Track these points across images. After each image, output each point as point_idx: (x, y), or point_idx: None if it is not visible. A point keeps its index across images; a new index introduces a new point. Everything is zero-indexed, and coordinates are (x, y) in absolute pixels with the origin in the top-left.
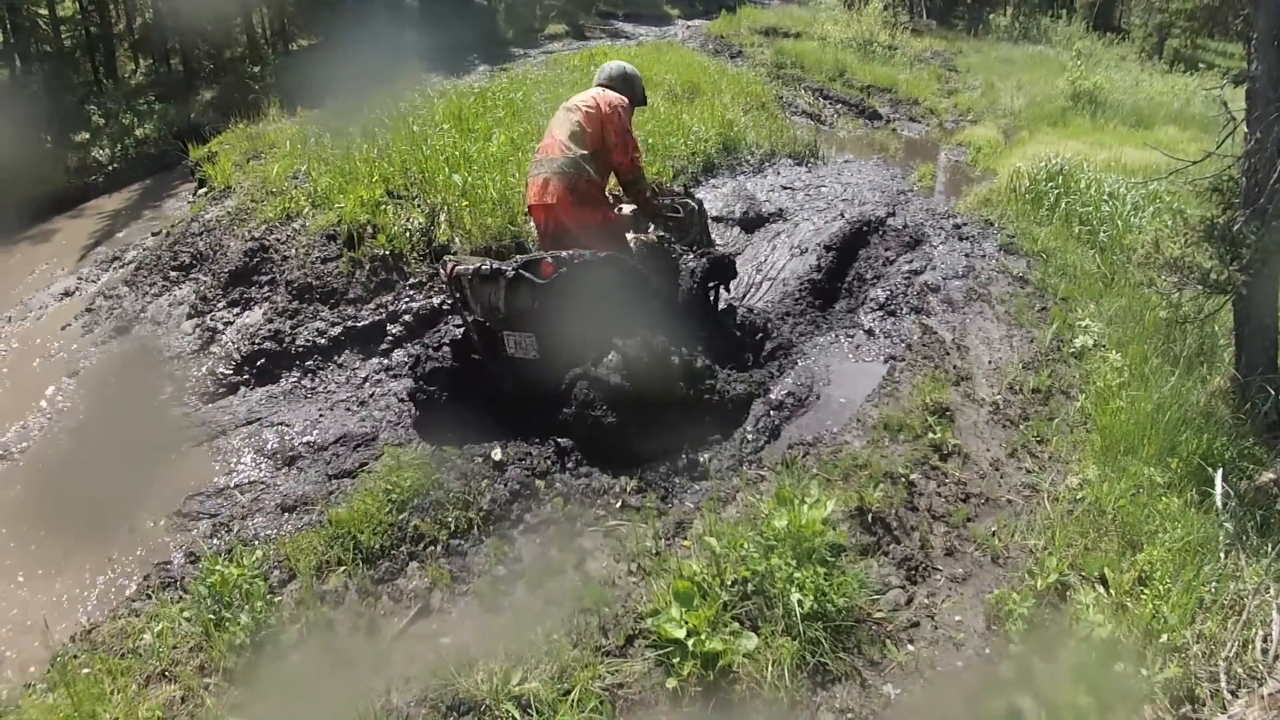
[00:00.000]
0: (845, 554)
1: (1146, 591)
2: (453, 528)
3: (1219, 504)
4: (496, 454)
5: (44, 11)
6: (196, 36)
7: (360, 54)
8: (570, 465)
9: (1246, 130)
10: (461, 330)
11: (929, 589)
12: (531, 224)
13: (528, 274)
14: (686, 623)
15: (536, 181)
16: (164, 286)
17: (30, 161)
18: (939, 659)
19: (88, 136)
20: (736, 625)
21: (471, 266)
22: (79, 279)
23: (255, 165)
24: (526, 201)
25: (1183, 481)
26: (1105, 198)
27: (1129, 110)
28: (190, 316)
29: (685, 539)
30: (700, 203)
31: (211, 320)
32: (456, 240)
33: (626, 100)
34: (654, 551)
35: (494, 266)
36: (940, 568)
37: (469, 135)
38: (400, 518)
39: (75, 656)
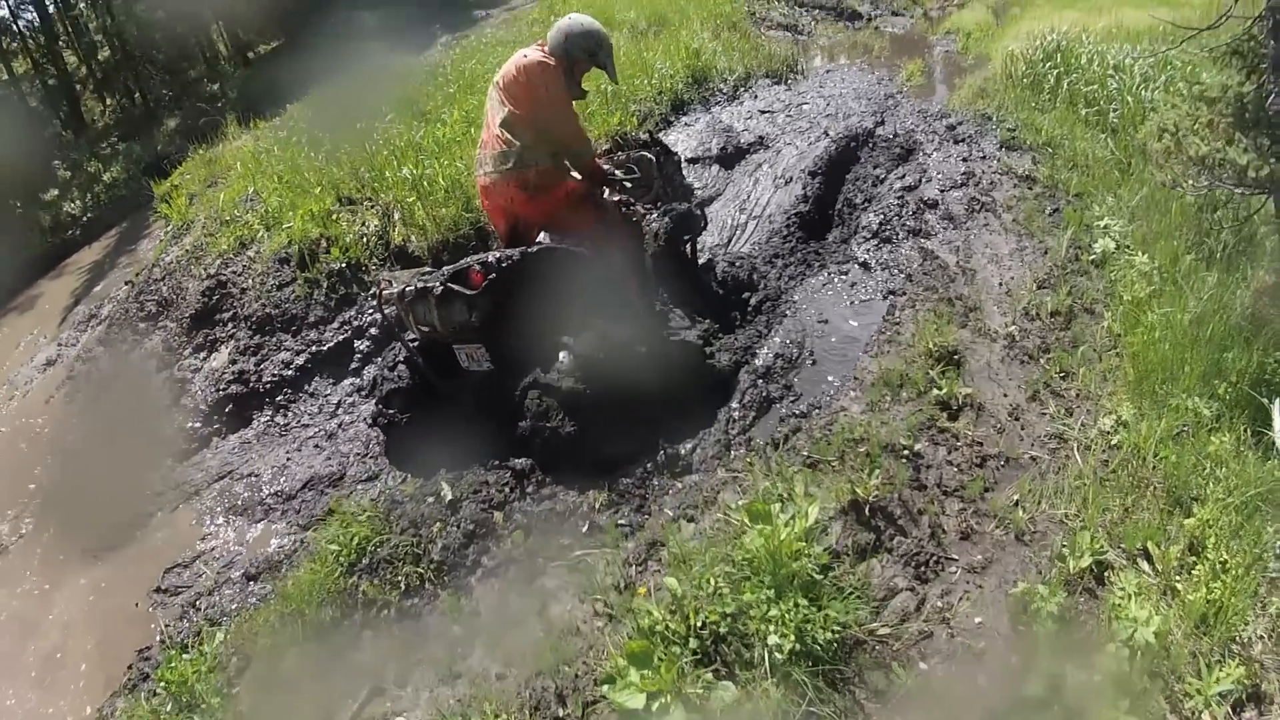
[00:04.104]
0: (841, 561)
1: (1199, 567)
2: (404, 586)
3: (1278, 441)
4: (447, 493)
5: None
6: (148, 64)
7: (319, 50)
8: (530, 489)
9: None
10: (405, 356)
11: (942, 586)
12: None
13: (456, 286)
14: (646, 689)
15: (483, 182)
16: (134, 341)
17: (3, 230)
18: (957, 677)
19: (56, 193)
20: (710, 676)
21: (397, 288)
22: (59, 345)
23: (211, 194)
24: (483, 205)
25: (1232, 412)
26: (1110, 72)
27: None
28: (159, 370)
29: (642, 585)
30: (662, 152)
31: (179, 370)
32: (412, 239)
33: (553, 62)
34: (622, 586)
35: (419, 285)
36: (955, 556)
37: (420, 120)
38: (350, 582)
39: None
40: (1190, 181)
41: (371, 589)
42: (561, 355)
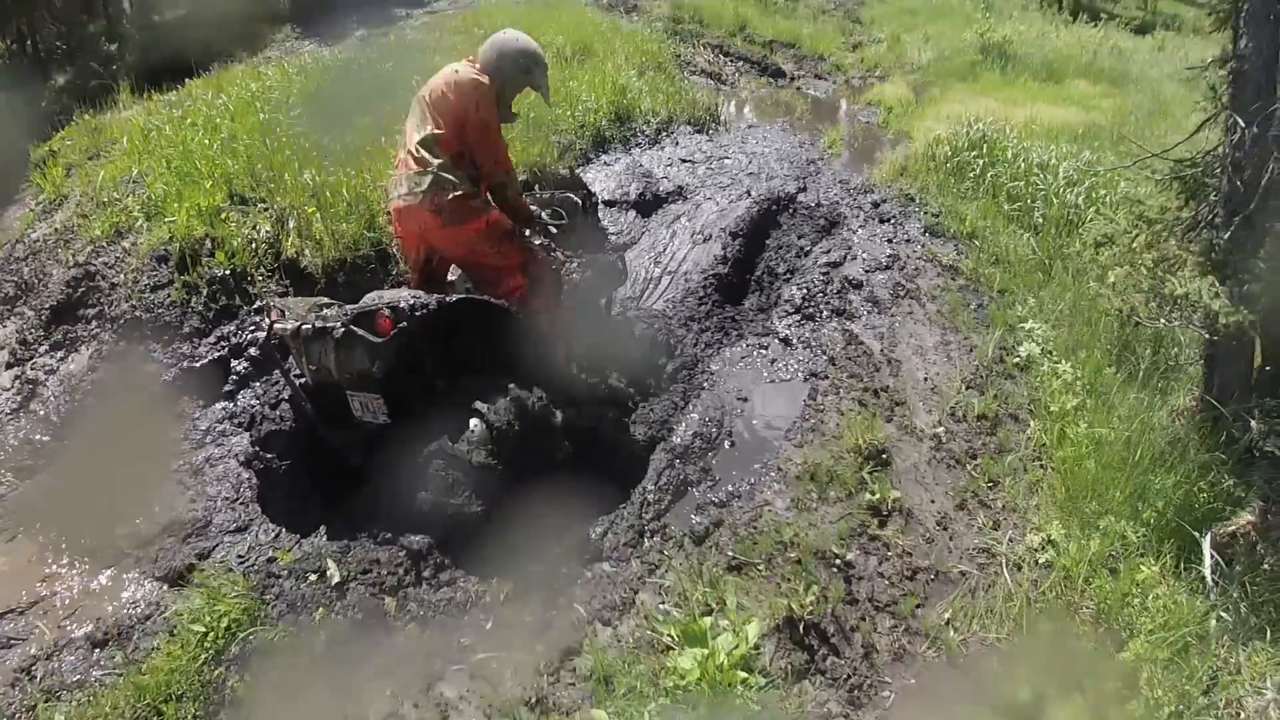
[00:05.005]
0: (775, 684)
1: (1133, 703)
2: (281, 685)
3: (1208, 577)
4: (334, 573)
5: None
6: (44, 11)
7: (226, 26)
8: (427, 573)
9: (1232, 120)
10: (290, 395)
11: (876, 712)
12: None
13: (361, 331)
14: None
15: (397, 205)
16: None
17: None
18: None
19: None
20: None
21: (291, 325)
22: None
23: (91, 167)
24: (393, 229)
25: (1160, 538)
26: (1035, 170)
27: (1039, 64)
28: (9, 365)
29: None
30: (588, 194)
31: (32, 369)
32: (306, 252)
33: (487, 81)
34: (533, 701)
35: (318, 324)
36: (888, 679)
37: (328, 119)
38: (216, 674)
39: None
40: (1162, 320)
41: (242, 687)
42: (473, 423)
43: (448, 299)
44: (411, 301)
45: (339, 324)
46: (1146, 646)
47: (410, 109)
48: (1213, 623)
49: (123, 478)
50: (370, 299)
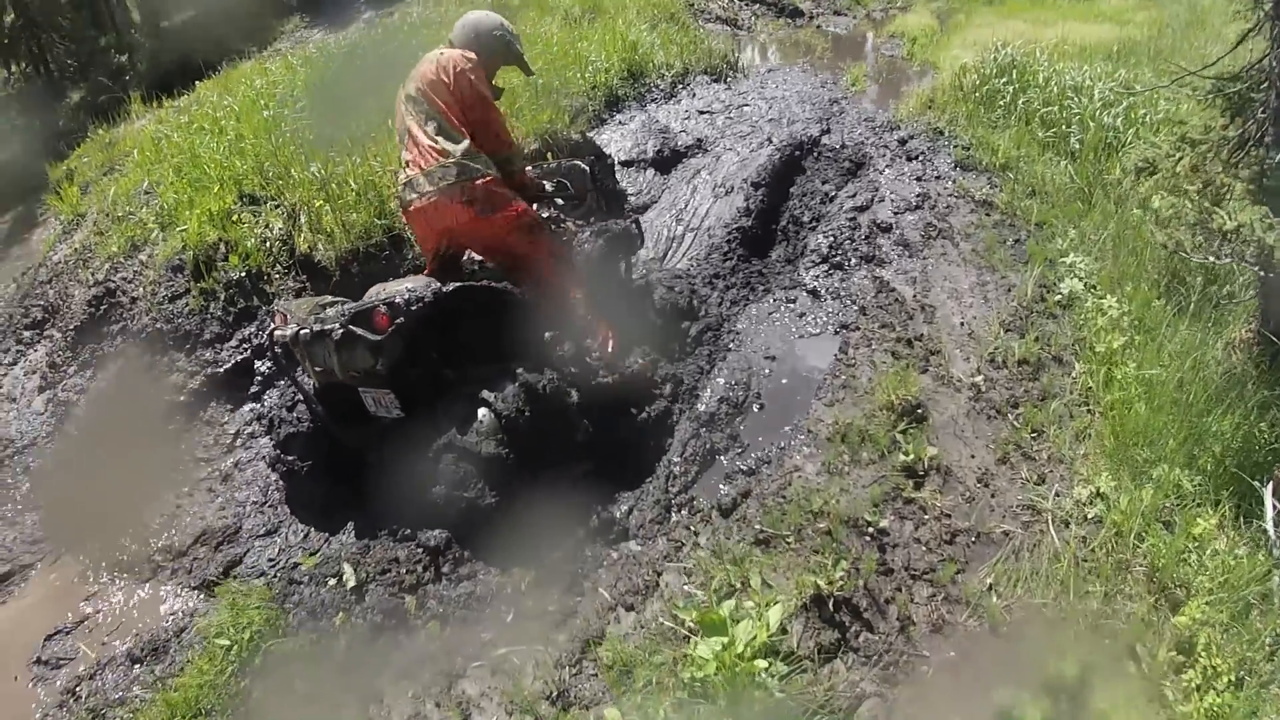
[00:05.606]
0: (802, 666)
1: (1189, 673)
2: (303, 693)
3: (1270, 531)
4: (350, 577)
5: None
6: (52, 31)
7: (235, 22)
8: (446, 568)
9: (1278, 30)
10: (301, 398)
11: (914, 689)
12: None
13: (359, 329)
14: None
15: (419, 205)
16: (18, 352)
17: None
18: None
19: None
20: None
21: (291, 330)
22: None
23: (106, 183)
24: (414, 233)
25: (1217, 487)
26: (1069, 94)
27: None
28: (41, 389)
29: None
30: (601, 157)
31: (63, 391)
32: (319, 245)
33: (474, 57)
34: (554, 695)
35: (316, 327)
36: (926, 652)
37: (332, 108)
38: (242, 686)
39: None
40: (1211, 257)
41: (267, 697)
42: (481, 413)
43: (445, 289)
44: (407, 295)
45: (337, 325)
46: (1204, 609)
47: (400, 110)
48: (1275, 581)
49: (156, 490)
50: (373, 293)
